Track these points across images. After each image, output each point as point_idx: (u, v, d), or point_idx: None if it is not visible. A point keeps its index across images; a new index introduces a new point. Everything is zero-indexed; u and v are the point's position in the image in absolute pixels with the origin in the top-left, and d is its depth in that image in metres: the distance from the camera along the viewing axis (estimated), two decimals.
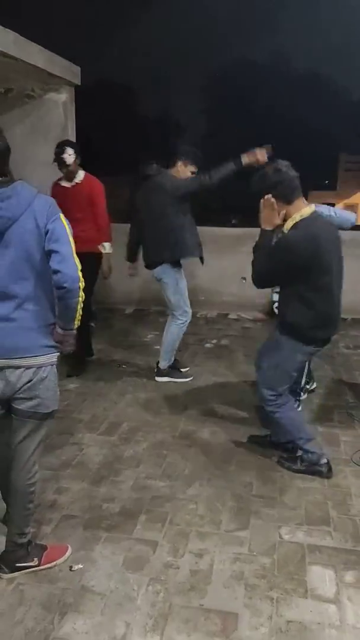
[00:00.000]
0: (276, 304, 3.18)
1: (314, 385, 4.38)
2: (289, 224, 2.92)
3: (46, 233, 2.11)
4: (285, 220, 2.93)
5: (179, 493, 2.99)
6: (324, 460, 3.19)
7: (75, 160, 4.40)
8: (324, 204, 4.29)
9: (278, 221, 2.93)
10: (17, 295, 2.13)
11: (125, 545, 2.57)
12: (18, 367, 2.16)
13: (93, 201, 4.51)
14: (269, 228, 2.96)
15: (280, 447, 3.36)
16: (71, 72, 5.62)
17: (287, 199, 2.88)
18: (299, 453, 3.22)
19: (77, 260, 2.14)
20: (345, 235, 4.30)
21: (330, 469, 3.18)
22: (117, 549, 2.54)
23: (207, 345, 5.62)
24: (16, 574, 2.35)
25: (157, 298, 6.40)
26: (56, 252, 2.10)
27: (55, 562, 2.42)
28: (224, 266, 6.53)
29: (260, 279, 3.05)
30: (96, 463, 3.30)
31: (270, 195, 2.88)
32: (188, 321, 4.59)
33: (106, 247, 4.65)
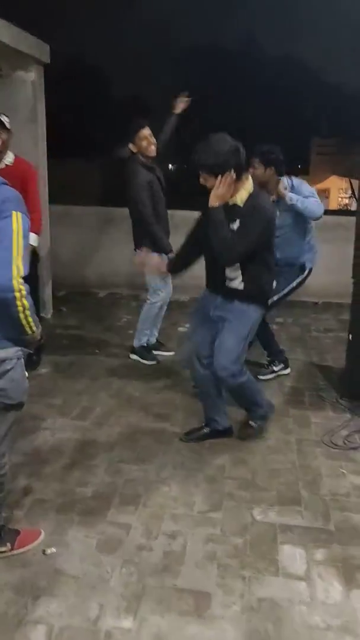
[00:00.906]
0: (233, 281, 3.10)
1: (288, 369, 4.44)
2: (243, 196, 2.95)
3: None
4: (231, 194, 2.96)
5: (153, 476, 3.01)
6: (272, 403, 3.61)
7: (9, 134, 3.99)
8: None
9: (229, 197, 2.95)
10: None
11: (99, 528, 2.58)
12: None
13: (25, 188, 3.85)
14: (218, 204, 2.94)
15: (221, 435, 3.41)
16: (40, 50, 5.47)
17: (240, 176, 2.93)
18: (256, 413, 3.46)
19: (16, 267, 1.95)
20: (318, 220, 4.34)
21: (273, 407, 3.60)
22: (91, 532, 2.55)
23: (180, 329, 5.62)
24: None
25: (131, 282, 6.39)
26: None
27: (28, 547, 2.41)
28: None
29: (236, 255, 3.01)
30: (69, 447, 3.29)
31: (232, 173, 2.86)
32: (159, 303, 4.61)
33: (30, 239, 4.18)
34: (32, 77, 5.50)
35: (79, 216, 7.00)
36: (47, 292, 5.97)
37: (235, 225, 2.98)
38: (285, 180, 3.97)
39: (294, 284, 4.19)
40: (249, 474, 3.05)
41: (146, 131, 4.28)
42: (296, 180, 4.07)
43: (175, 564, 2.36)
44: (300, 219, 4.04)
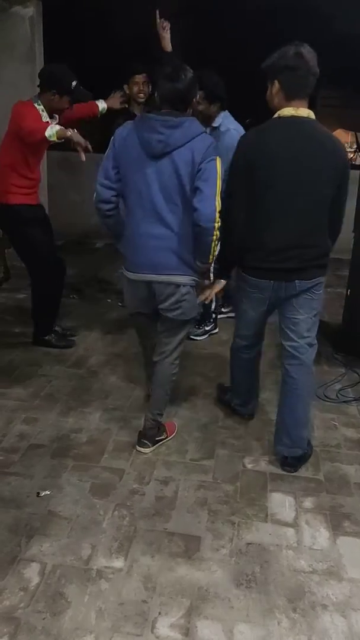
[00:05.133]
0: None
1: None
2: None
3: (198, 171, 2.32)
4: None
5: None
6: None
7: None
8: None
9: None
10: (165, 217, 2.41)
11: (92, 472, 2.62)
12: (162, 283, 2.51)
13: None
14: None
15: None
16: None
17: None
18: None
19: (218, 203, 2.34)
20: None
21: None
22: (84, 476, 2.59)
23: None
24: (156, 446, 2.81)
25: None
26: (200, 190, 2.32)
27: (174, 434, 2.93)
28: None
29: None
30: (64, 394, 3.31)
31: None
32: None
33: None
34: (30, 12, 5.27)
35: (78, 163, 6.82)
36: None
37: None
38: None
39: None
40: (242, 424, 3.08)
41: (140, 77, 4.13)
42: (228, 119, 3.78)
43: (167, 509, 2.41)
44: None
